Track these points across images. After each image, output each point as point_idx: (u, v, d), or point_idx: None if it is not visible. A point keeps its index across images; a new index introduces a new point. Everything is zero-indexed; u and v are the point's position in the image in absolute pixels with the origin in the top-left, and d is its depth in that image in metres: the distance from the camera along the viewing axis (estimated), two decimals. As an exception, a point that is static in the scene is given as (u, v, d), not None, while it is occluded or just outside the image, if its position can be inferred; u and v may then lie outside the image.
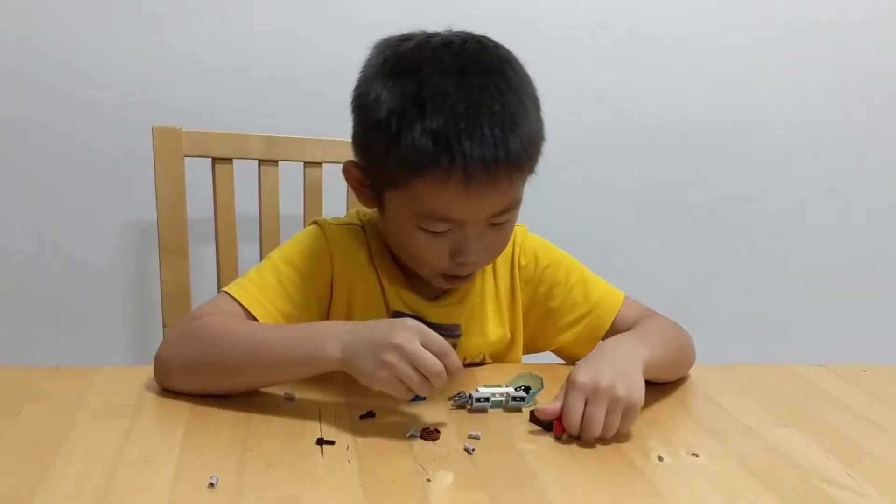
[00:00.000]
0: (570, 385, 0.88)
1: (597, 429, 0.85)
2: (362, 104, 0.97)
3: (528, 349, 1.16)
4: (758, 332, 1.93)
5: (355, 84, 0.99)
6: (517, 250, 1.13)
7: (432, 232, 0.96)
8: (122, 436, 0.83)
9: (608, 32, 1.71)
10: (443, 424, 0.89)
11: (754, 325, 1.93)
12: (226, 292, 1.00)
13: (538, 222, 1.16)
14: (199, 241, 1.46)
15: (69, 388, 0.94)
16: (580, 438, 0.87)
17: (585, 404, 0.86)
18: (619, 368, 0.89)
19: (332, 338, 0.88)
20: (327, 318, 1.06)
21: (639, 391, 0.88)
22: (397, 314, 1.07)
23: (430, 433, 0.86)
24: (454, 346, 1.06)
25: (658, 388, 1.04)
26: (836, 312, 1.95)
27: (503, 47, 0.98)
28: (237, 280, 1.02)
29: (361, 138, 0.99)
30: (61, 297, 1.62)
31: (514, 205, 0.97)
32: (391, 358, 0.83)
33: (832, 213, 1.91)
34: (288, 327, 0.94)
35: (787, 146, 1.85)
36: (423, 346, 0.84)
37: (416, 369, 0.84)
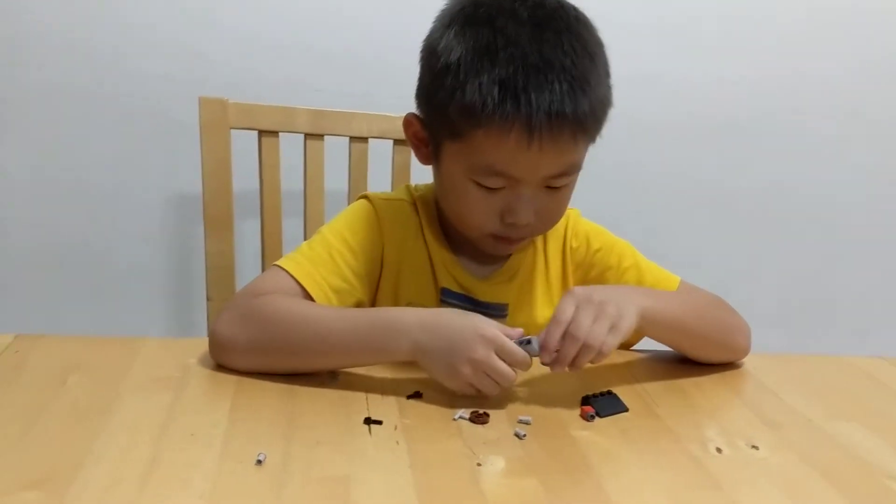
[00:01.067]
0: (564, 294, 0.88)
1: (581, 332, 0.84)
2: (432, 51, 0.95)
3: None
4: (801, 321, 1.88)
5: (427, 33, 0.98)
6: (569, 233, 1.10)
7: (486, 187, 0.94)
8: (168, 409, 0.82)
9: (649, 19, 1.67)
10: (492, 408, 0.86)
11: (797, 314, 1.88)
12: (278, 266, 0.98)
13: (586, 205, 1.13)
14: (244, 215, 1.45)
15: (114, 358, 0.93)
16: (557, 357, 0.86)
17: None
18: (615, 295, 0.89)
19: (404, 333, 0.87)
20: (376, 292, 1.05)
21: (628, 320, 0.87)
22: (446, 291, 1.05)
23: (479, 416, 0.84)
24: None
25: (712, 376, 1.02)
26: (880, 301, 1.89)
27: (582, 12, 0.96)
28: (289, 254, 1.01)
29: (427, 87, 0.98)
30: (106, 268, 1.62)
31: (572, 168, 0.95)
32: (466, 370, 0.84)
33: (877, 200, 1.85)
34: (357, 314, 0.92)
35: (831, 132, 1.80)
36: (499, 356, 0.84)
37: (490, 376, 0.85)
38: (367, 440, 0.78)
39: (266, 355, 0.91)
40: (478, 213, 0.97)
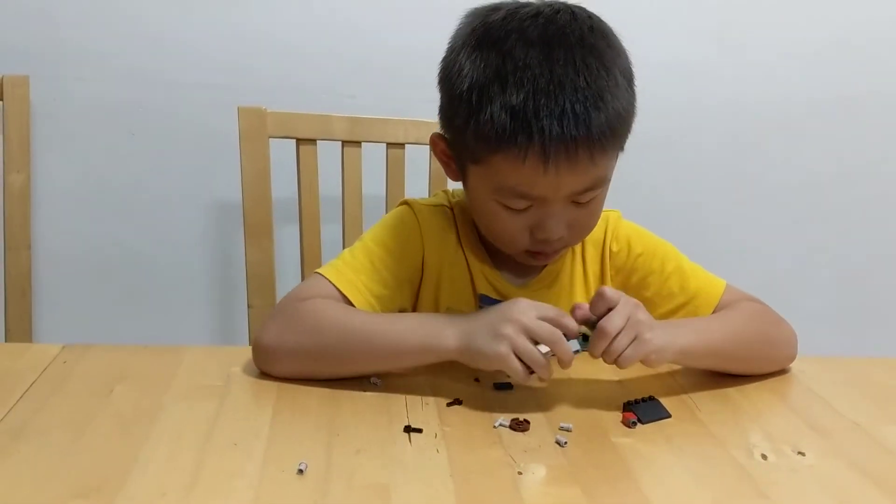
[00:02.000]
0: (621, 302, 0.86)
1: (614, 351, 0.84)
2: (447, 75, 0.95)
3: None
4: (855, 321, 1.85)
5: (444, 55, 0.97)
6: (609, 236, 1.08)
7: (512, 208, 0.93)
8: (211, 418, 0.83)
9: (703, 7, 1.65)
10: (532, 415, 0.86)
11: (851, 313, 1.85)
12: (320, 274, 0.99)
13: (628, 203, 1.12)
14: (283, 222, 1.47)
15: (158, 367, 0.95)
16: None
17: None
18: (660, 329, 0.88)
19: (449, 327, 0.88)
20: (416, 298, 1.05)
21: (661, 356, 0.88)
22: (484, 298, 1.05)
23: (519, 424, 0.83)
24: None
25: (758, 382, 1.00)
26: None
27: (597, 18, 0.94)
28: (330, 262, 1.02)
29: (445, 110, 0.98)
30: (148, 277, 1.64)
31: (598, 183, 0.93)
32: (508, 330, 0.83)
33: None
34: (402, 316, 0.94)
35: (879, 126, 1.76)
36: (540, 318, 0.84)
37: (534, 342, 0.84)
38: (407, 448, 0.78)
39: (312, 361, 0.91)
40: (508, 231, 0.96)
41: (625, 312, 0.85)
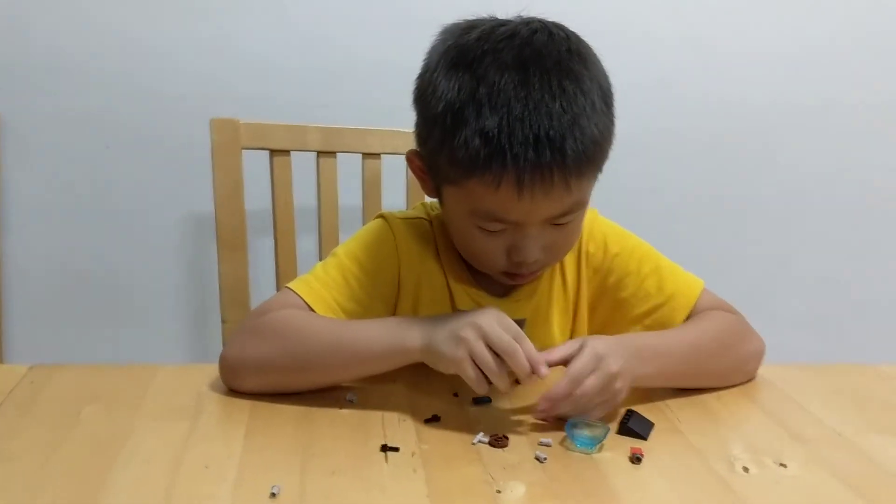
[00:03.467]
0: (583, 348, 0.84)
1: (581, 402, 0.83)
2: (422, 95, 0.93)
3: None
4: (836, 324, 1.85)
5: (419, 72, 0.95)
6: (585, 237, 1.06)
7: (488, 230, 0.92)
8: (183, 439, 0.81)
9: (677, 22, 1.65)
10: (511, 430, 0.85)
11: (832, 316, 1.85)
12: (289, 288, 0.97)
13: (609, 206, 1.10)
14: (257, 233, 1.45)
15: (129, 387, 0.92)
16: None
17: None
18: (627, 364, 0.86)
19: (414, 327, 0.86)
20: (394, 314, 1.03)
21: (622, 395, 0.86)
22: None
23: (498, 440, 0.82)
24: None
25: (737, 390, 0.99)
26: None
27: (576, 37, 0.92)
28: (301, 276, 1.00)
29: (420, 130, 0.96)
30: (121, 291, 1.62)
31: (575, 207, 0.92)
32: (468, 334, 0.81)
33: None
34: (367, 320, 0.92)
35: (859, 132, 1.77)
36: (502, 327, 0.83)
37: (493, 352, 0.81)
38: (384, 468, 0.76)
39: (278, 373, 0.90)
40: (485, 253, 0.95)
41: (590, 364, 0.83)
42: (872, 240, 1.83)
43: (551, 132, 0.84)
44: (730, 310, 1.05)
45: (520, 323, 1.02)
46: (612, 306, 1.07)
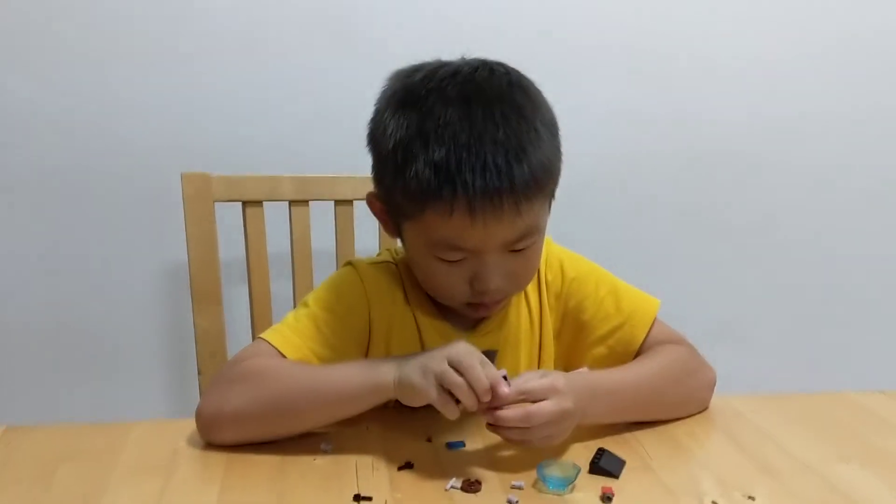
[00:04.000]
0: (555, 389, 0.85)
1: (534, 435, 0.84)
2: (373, 137, 0.98)
3: (566, 366, 1.10)
4: (803, 354, 1.87)
5: (370, 117, 0.99)
6: (543, 266, 1.09)
7: (448, 261, 0.94)
8: (157, 497, 0.81)
9: (644, 55, 1.68)
10: (484, 475, 0.85)
11: (800, 348, 1.87)
12: (262, 338, 0.98)
13: (576, 241, 1.13)
14: (232, 282, 1.45)
15: (103, 446, 0.92)
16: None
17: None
18: (583, 408, 0.88)
19: (386, 365, 0.88)
20: (367, 357, 1.04)
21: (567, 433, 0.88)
22: None
23: (471, 485, 0.83)
24: None
25: (706, 423, 1.00)
26: (885, 335, 1.89)
27: (517, 73, 0.96)
28: (274, 326, 1.01)
29: (376, 170, 0.99)
30: (94, 347, 1.61)
31: (530, 232, 0.95)
32: (439, 366, 0.83)
33: (875, 233, 1.85)
34: (339, 363, 0.94)
35: (829, 164, 1.79)
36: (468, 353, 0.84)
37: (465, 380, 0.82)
38: (357, 518, 0.77)
39: (255, 421, 0.90)
40: (447, 285, 0.97)
41: (555, 406, 0.85)
42: (847, 262, 1.86)
43: (498, 159, 0.88)
44: (680, 341, 1.07)
45: (491, 354, 1.04)
46: (575, 329, 1.09)
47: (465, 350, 0.84)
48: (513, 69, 0.97)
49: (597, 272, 1.10)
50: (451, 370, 0.82)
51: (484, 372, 0.82)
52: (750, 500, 0.81)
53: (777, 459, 0.91)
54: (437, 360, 0.83)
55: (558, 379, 0.87)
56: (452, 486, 0.83)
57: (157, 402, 1.64)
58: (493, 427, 0.85)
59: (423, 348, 1.04)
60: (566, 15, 1.63)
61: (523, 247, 0.95)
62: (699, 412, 1.03)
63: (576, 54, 1.64)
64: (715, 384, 1.05)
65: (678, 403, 1.02)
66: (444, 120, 0.89)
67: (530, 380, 0.85)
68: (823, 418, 1.03)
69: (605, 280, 1.09)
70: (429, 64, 0.96)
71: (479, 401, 0.82)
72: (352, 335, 1.02)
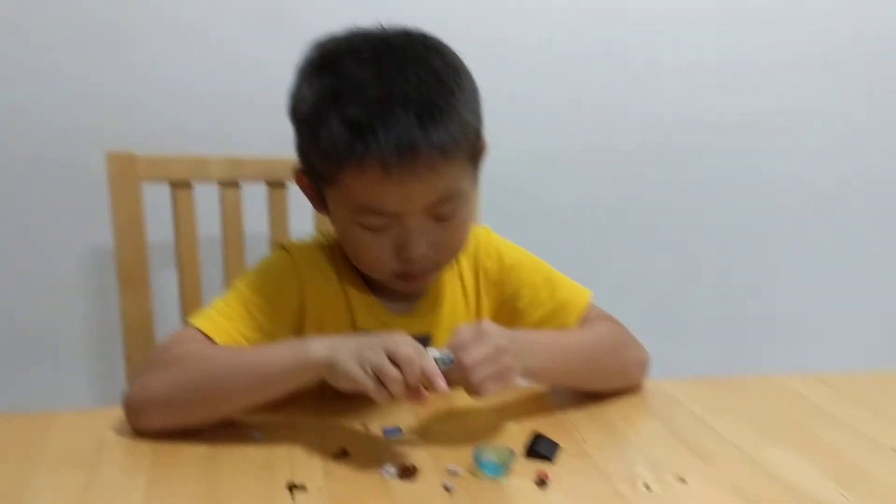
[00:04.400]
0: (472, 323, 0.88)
1: (467, 360, 0.83)
2: (292, 106, 0.98)
3: None
4: (739, 334, 1.91)
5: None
6: (481, 252, 1.10)
7: (372, 228, 0.94)
8: (81, 491, 0.78)
9: (593, 47, 1.69)
10: (420, 459, 0.85)
11: (736, 327, 1.91)
12: (191, 324, 0.95)
13: (517, 234, 1.13)
14: (160, 266, 1.41)
15: (26, 438, 0.89)
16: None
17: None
18: (517, 346, 0.88)
19: (316, 342, 0.85)
20: None
21: (515, 374, 0.87)
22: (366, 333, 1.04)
23: (407, 471, 0.82)
24: None
25: (641, 406, 1.02)
26: (818, 313, 1.94)
27: (435, 39, 0.97)
28: (203, 310, 0.98)
29: (296, 139, 0.99)
30: (18, 330, 1.55)
31: (451, 195, 0.94)
32: (371, 355, 0.81)
33: (813, 215, 1.89)
34: (267, 344, 0.93)
35: (766, 148, 1.83)
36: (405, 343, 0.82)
37: (396, 365, 0.80)
38: (291, 508, 0.76)
39: (182, 406, 0.88)
40: (373, 254, 0.97)
41: (473, 334, 0.86)
42: (779, 249, 1.90)
43: (412, 116, 0.88)
44: (614, 321, 1.09)
45: (425, 339, 1.04)
46: (511, 316, 1.10)
47: (402, 341, 0.82)
48: (431, 35, 0.96)
49: (533, 261, 1.11)
50: (389, 364, 0.80)
51: (421, 364, 0.81)
52: (682, 483, 0.82)
53: (709, 443, 0.92)
54: (374, 350, 0.81)
55: (485, 322, 0.88)
56: (388, 473, 0.82)
57: (82, 390, 1.59)
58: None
59: (356, 328, 1.04)
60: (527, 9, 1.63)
61: (446, 212, 0.94)
62: (632, 391, 1.05)
63: (526, 49, 1.65)
64: (648, 365, 1.07)
65: (614, 373, 1.04)
66: (357, 79, 0.90)
67: (460, 333, 0.86)
68: (754, 402, 1.05)
69: (541, 270, 1.10)
70: (345, 31, 0.96)
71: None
72: (283, 318, 1.00)
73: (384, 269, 0.98)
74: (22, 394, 1.54)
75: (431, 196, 0.92)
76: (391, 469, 0.82)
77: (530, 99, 1.66)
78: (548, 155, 1.70)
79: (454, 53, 0.97)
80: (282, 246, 1.06)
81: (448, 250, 1.00)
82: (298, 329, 1.02)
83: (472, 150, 0.96)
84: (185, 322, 0.97)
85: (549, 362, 0.95)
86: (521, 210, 1.66)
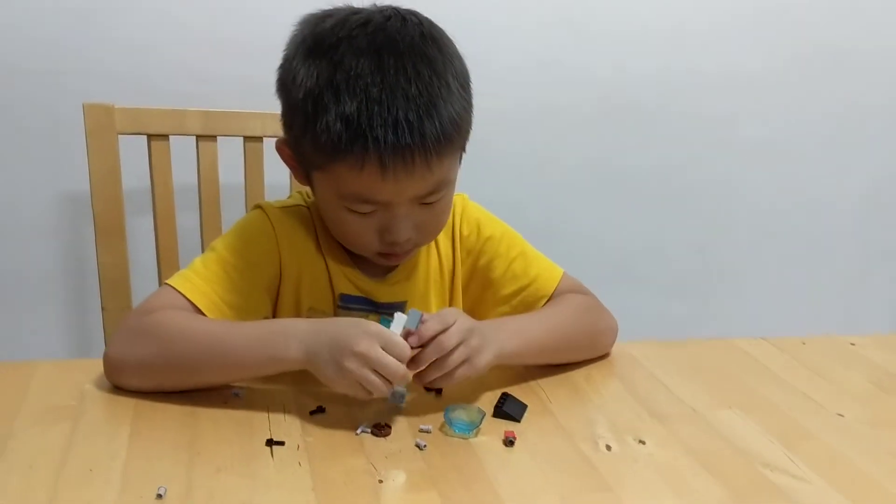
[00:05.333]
0: (442, 310, 0.90)
1: (443, 348, 0.86)
2: (283, 84, 0.97)
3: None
4: (699, 291, 1.97)
5: (280, 63, 0.97)
6: (457, 220, 1.12)
7: (359, 212, 0.95)
8: (65, 442, 0.81)
9: (556, 7, 1.69)
10: (393, 418, 0.88)
11: (695, 285, 1.97)
12: (169, 285, 0.97)
13: (482, 193, 1.16)
14: (136, 213, 1.42)
15: (6, 388, 0.91)
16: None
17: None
18: (484, 329, 0.91)
19: (294, 338, 0.87)
20: (276, 303, 1.05)
21: (485, 357, 0.89)
22: (344, 297, 1.07)
23: (380, 429, 0.85)
24: None
25: (602, 366, 1.06)
26: (774, 273, 2.01)
27: (429, 23, 0.96)
28: (181, 272, 0.99)
29: (285, 118, 0.98)
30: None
31: (441, 185, 0.96)
32: (352, 365, 0.83)
33: (771, 179, 1.94)
34: (247, 325, 0.92)
35: (726, 114, 1.87)
36: (385, 349, 0.83)
37: (378, 373, 0.83)
38: (270, 463, 0.79)
39: (159, 374, 0.90)
40: (357, 235, 0.99)
41: (459, 335, 0.87)
42: (743, 212, 1.95)
43: (410, 114, 0.88)
44: (585, 292, 1.12)
45: (400, 306, 1.07)
46: (482, 286, 1.13)
47: (367, 346, 0.83)
48: (425, 18, 0.96)
49: (510, 235, 1.13)
50: (368, 371, 0.82)
51: (395, 349, 0.84)
52: (641, 444, 0.87)
53: (667, 405, 0.97)
54: (348, 356, 0.83)
55: (448, 311, 0.90)
56: (363, 430, 0.86)
57: (59, 339, 1.60)
58: (416, 378, 0.89)
59: (334, 295, 1.06)
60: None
61: (433, 200, 0.97)
62: (602, 356, 1.09)
63: (487, 8, 1.65)
64: (617, 332, 1.11)
65: (586, 346, 1.07)
66: (355, 71, 0.88)
67: (427, 321, 0.87)
68: (711, 365, 1.10)
69: (517, 244, 1.13)
70: (339, 10, 0.95)
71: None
72: (261, 281, 1.02)
73: (367, 249, 1.01)
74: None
75: (423, 189, 0.94)
76: (366, 427, 0.86)
77: (497, 58, 1.67)
78: (515, 112, 1.72)
79: (446, 36, 0.96)
80: (258, 206, 1.07)
81: (430, 231, 1.03)
82: (276, 291, 1.04)
83: (463, 141, 0.98)
84: (164, 283, 0.98)
85: (521, 346, 0.97)
86: (488, 167, 1.68)
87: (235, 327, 0.92)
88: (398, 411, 0.90)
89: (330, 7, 0.97)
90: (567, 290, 1.10)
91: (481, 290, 1.13)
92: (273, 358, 0.88)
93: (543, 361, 1.03)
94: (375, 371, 0.83)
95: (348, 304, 1.08)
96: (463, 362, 0.87)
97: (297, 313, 1.05)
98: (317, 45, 0.92)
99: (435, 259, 1.12)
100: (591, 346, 1.08)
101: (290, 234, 1.04)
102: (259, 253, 1.02)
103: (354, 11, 0.94)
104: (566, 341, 1.04)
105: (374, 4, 0.97)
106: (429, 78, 0.90)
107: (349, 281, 1.07)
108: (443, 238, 1.12)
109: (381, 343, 0.83)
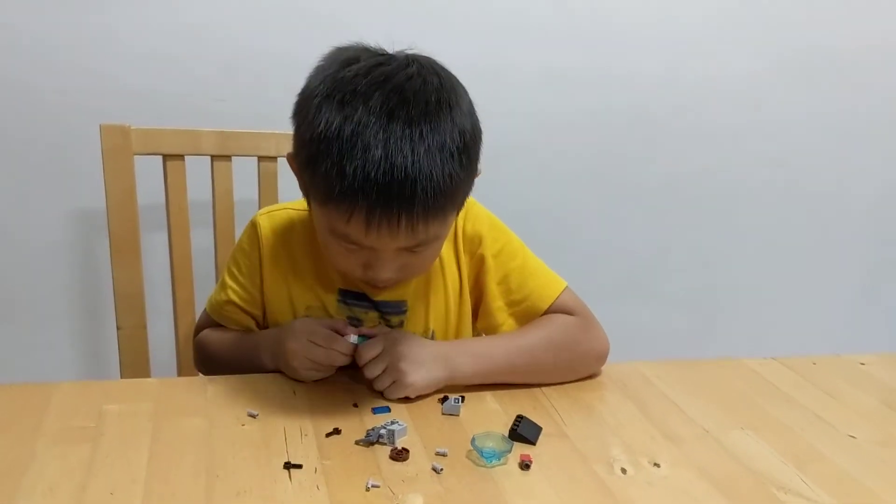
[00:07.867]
0: (376, 338, 1.02)
1: (369, 374, 1.00)
2: (299, 111, 0.98)
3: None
4: (706, 305, 1.98)
5: (301, 88, 0.99)
6: (461, 220, 1.12)
7: (346, 247, 0.98)
8: (85, 465, 0.82)
9: (562, 15, 1.70)
10: (411, 440, 0.89)
11: (702, 298, 1.97)
12: (206, 310, 1.20)
13: (487, 200, 1.15)
14: (151, 229, 1.42)
15: (26, 409, 0.92)
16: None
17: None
18: (418, 356, 1.00)
19: (262, 349, 1.08)
20: (270, 305, 1.16)
21: (411, 379, 0.99)
22: (343, 292, 1.11)
23: (398, 453, 0.86)
24: (401, 322, 1.11)
25: (616, 389, 1.07)
26: (780, 287, 2.01)
27: (449, 83, 0.96)
28: (210, 295, 1.20)
29: (295, 140, 1.00)
30: (7, 299, 1.57)
31: (428, 241, 0.98)
32: (294, 346, 1.01)
33: (779, 190, 1.95)
34: (237, 340, 1.15)
35: (734, 125, 1.87)
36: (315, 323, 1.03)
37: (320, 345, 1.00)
38: (288, 487, 0.80)
39: (207, 368, 1.19)
40: (342, 263, 1.02)
41: (382, 363, 1.00)
42: (750, 228, 1.96)
43: (405, 185, 0.89)
44: (577, 311, 1.12)
45: (401, 305, 1.11)
46: (479, 291, 1.14)
47: (299, 325, 1.04)
48: (446, 77, 0.96)
49: (512, 244, 1.14)
50: (310, 345, 1.01)
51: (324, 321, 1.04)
52: (655, 467, 0.88)
53: (680, 426, 0.98)
54: (289, 338, 1.02)
55: (395, 335, 1.02)
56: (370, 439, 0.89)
57: (74, 353, 1.61)
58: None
59: (335, 288, 1.12)
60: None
61: (420, 251, 0.99)
62: (589, 377, 1.10)
63: (498, 15, 1.66)
64: (606, 355, 1.11)
65: (565, 369, 1.08)
66: (362, 130, 0.89)
67: (363, 350, 1.01)
68: (722, 385, 1.11)
69: (518, 255, 1.13)
70: (368, 55, 0.95)
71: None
72: (255, 282, 1.14)
73: (351, 276, 1.05)
74: (10, 360, 1.56)
75: (409, 243, 0.96)
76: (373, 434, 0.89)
77: (503, 67, 1.68)
78: (522, 120, 1.73)
79: (463, 99, 0.97)
80: (252, 222, 1.15)
81: (415, 273, 1.06)
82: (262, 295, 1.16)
83: (456, 208, 0.99)
84: (205, 309, 1.21)
85: (480, 369, 1.03)
86: (493, 175, 1.68)
87: (231, 344, 1.15)
88: (414, 433, 0.91)
89: (360, 44, 0.98)
90: (561, 307, 1.11)
91: (480, 294, 1.14)
92: (256, 367, 1.07)
93: (517, 381, 1.05)
94: (314, 342, 1.00)
95: (347, 300, 1.11)
96: (393, 383, 0.99)
97: (293, 311, 1.13)
98: (335, 91, 0.92)
99: (437, 259, 1.13)
100: (569, 368, 1.09)
101: (276, 238, 1.13)
102: (248, 265, 1.15)
103: (380, 62, 0.94)
104: (536, 364, 1.06)
105: (404, 52, 0.97)
106: (431, 145, 0.91)
107: (349, 279, 1.09)
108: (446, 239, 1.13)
109: (313, 327, 1.02)
